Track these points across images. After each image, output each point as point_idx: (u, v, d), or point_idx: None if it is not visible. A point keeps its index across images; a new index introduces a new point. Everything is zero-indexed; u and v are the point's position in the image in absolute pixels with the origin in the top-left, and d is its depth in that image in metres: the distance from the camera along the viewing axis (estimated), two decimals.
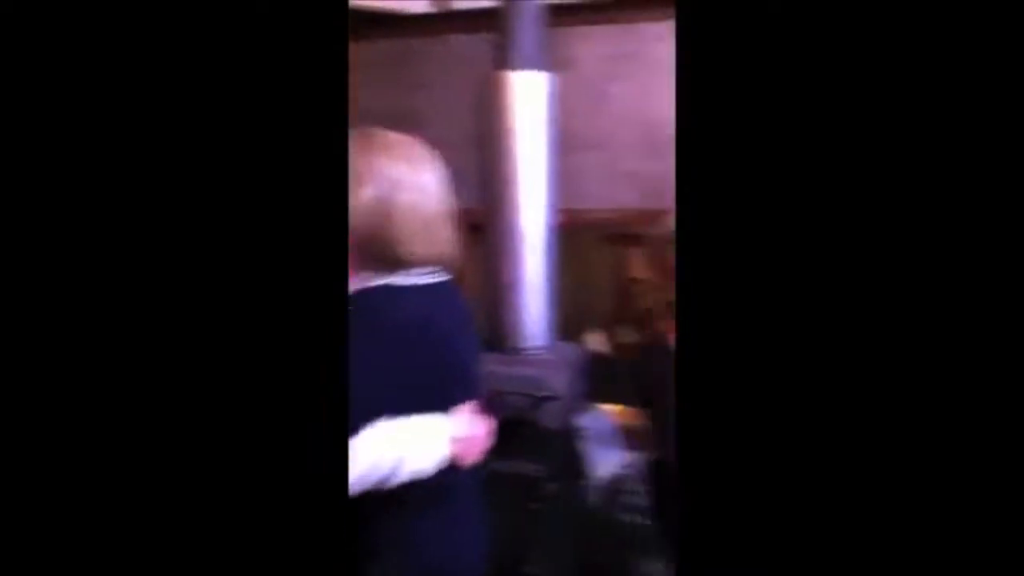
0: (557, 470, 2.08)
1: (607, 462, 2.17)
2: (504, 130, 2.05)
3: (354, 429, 0.97)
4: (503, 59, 2.05)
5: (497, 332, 2.19)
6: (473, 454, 1.09)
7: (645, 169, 2.99)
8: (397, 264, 1.06)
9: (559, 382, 2.07)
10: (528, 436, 2.02)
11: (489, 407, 1.18)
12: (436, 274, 1.11)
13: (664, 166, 2.87)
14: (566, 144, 2.23)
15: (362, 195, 1.01)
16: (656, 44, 2.90)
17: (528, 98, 2.05)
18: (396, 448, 1.00)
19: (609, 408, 2.11)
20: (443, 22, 3.10)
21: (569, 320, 2.36)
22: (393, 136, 1.08)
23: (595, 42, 3.01)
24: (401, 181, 1.03)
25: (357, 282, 1.05)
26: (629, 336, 1.94)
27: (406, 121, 1.74)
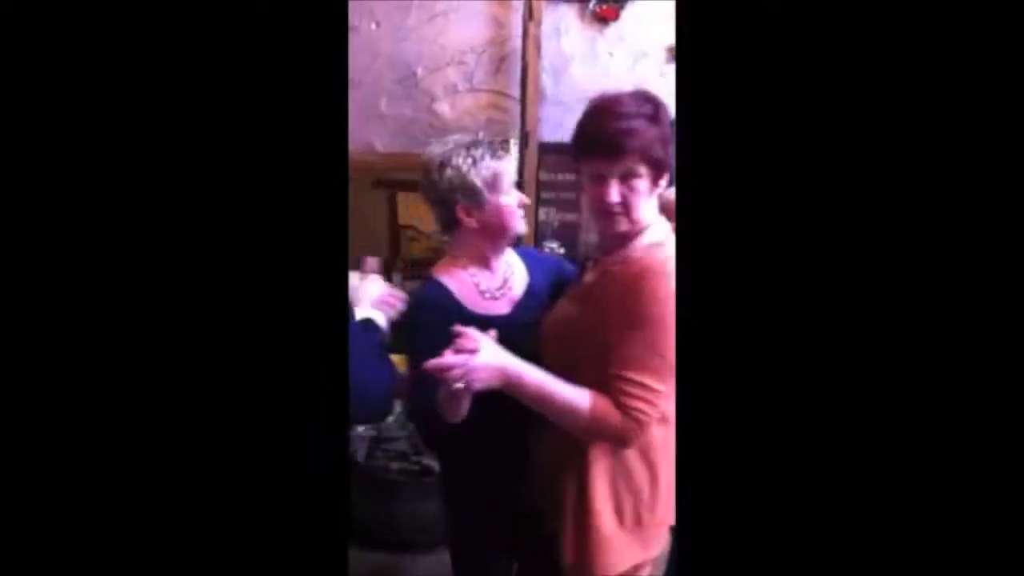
0: None
1: None
2: None
3: None
4: None
5: None
6: None
7: (395, 112, 2.93)
8: None
9: None
10: None
11: None
12: None
13: (411, 110, 2.89)
14: None
15: None
16: None
17: None
18: None
19: None
20: None
21: None
22: None
23: None
24: None
25: None
26: (401, 282, 1.86)
27: None
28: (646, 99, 1.20)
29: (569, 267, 1.58)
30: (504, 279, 1.42)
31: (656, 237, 1.21)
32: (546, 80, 2.92)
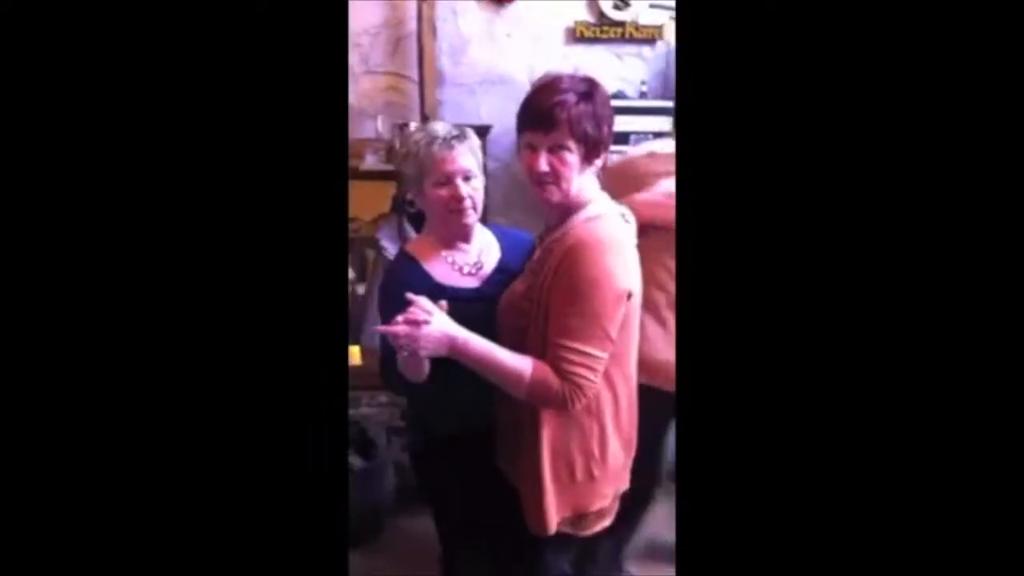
0: None
1: None
2: None
3: None
4: None
5: None
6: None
7: None
8: None
9: None
10: None
11: None
12: None
13: None
14: None
15: None
16: None
17: None
18: None
19: None
20: None
21: None
22: None
23: None
24: None
25: None
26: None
27: None
28: (582, 79, 1.26)
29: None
30: (477, 255, 1.47)
31: (593, 212, 1.27)
32: (444, 62, 2.86)
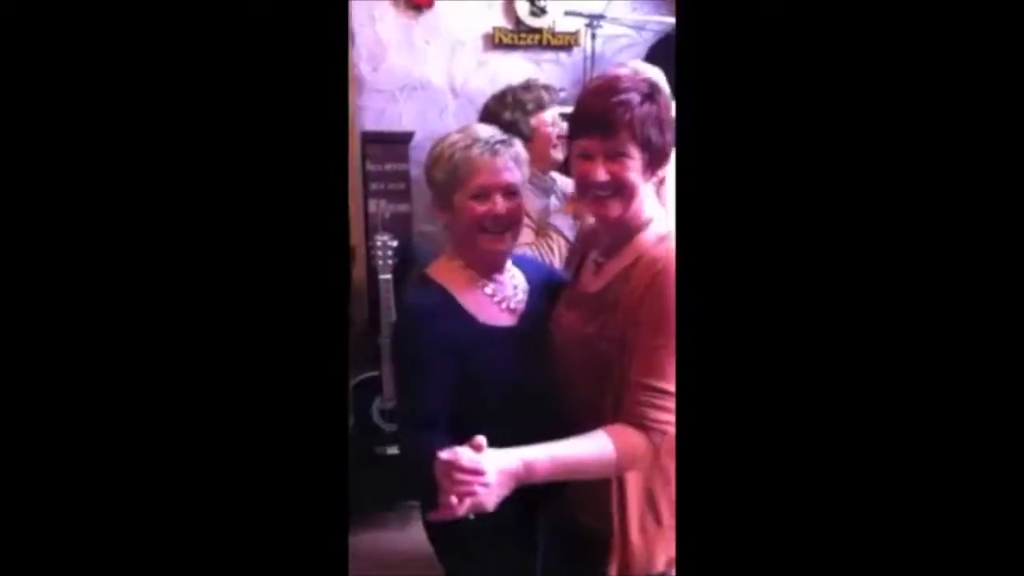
0: None
1: None
2: None
3: None
4: None
5: None
6: None
7: None
8: None
9: None
10: None
11: None
12: None
13: None
14: None
15: None
16: None
17: None
18: None
19: None
20: None
21: None
22: None
23: None
24: None
25: None
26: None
27: None
28: (643, 79, 1.11)
29: (557, 271, 1.44)
30: (514, 287, 1.27)
31: (663, 230, 1.13)
32: (363, 68, 2.83)
